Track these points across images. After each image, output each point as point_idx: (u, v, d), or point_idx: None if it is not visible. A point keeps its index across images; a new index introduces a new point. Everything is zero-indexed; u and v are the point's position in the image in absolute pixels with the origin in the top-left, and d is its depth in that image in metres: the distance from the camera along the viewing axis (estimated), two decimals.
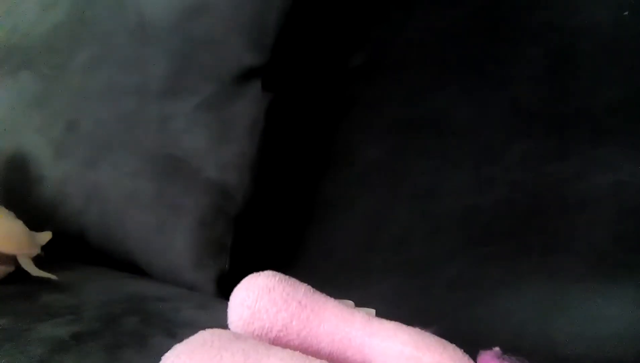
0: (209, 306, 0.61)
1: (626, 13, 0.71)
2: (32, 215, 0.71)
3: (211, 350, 0.30)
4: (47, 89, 0.80)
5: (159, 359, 0.32)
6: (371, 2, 0.87)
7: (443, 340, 0.33)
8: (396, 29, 0.84)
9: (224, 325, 0.35)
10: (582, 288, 0.58)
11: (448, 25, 0.80)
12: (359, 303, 0.39)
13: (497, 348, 0.33)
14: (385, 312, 0.37)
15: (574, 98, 0.69)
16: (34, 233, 0.68)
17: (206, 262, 0.70)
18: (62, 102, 0.78)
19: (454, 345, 0.33)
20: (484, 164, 0.69)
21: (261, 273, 0.34)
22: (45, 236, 0.69)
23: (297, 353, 0.30)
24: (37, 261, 0.66)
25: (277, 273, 0.34)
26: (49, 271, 0.64)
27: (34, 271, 0.64)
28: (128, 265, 0.73)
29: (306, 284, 0.35)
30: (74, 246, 0.75)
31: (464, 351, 0.33)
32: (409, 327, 0.33)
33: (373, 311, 0.36)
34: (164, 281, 0.70)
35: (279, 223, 0.80)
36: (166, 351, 0.32)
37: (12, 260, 0.64)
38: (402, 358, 0.31)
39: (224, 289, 0.70)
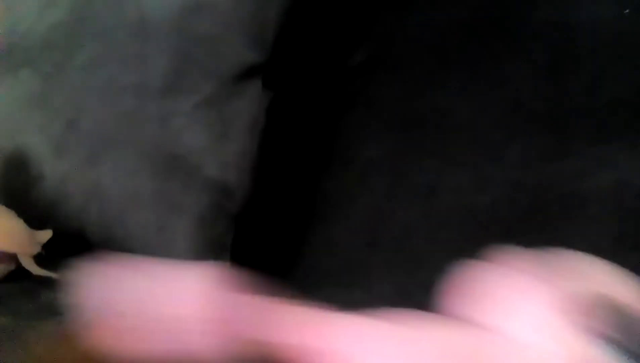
0: None
1: (627, 11, 0.71)
2: (33, 214, 0.71)
3: None
4: (47, 87, 0.79)
5: None
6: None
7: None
8: (396, 27, 0.84)
9: None
10: None
11: (449, 23, 0.80)
12: (360, 302, 0.39)
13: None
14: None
15: (574, 96, 0.69)
16: (34, 231, 0.68)
17: (206, 261, 0.70)
18: (62, 100, 0.78)
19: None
20: (484, 163, 0.69)
21: None
22: (46, 235, 0.69)
23: None
24: (38, 259, 0.66)
25: None
26: (49, 270, 0.64)
27: (35, 269, 0.64)
28: None
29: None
30: (74, 245, 0.74)
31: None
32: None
33: None
34: None
35: (280, 221, 0.80)
36: None
37: (13, 258, 0.64)
38: None
39: None
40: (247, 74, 0.75)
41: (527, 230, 0.63)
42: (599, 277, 0.32)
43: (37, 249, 0.67)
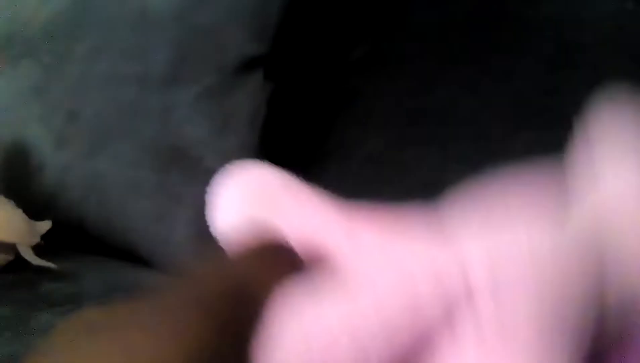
0: None
1: (629, 4, 0.71)
2: (32, 204, 0.71)
3: None
4: (47, 78, 0.79)
5: None
6: None
7: None
8: (399, 21, 0.83)
9: None
10: None
11: (451, 17, 0.80)
12: None
13: None
14: None
15: (577, 90, 0.69)
16: (33, 222, 0.68)
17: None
18: (62, 91, 0.78)
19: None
20: (487, 157, 0.69)
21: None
22: (45, 225, 0.69)
23: None
24: (37, 250, 0.65)
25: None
26: (48, 260, 0.64)
27: (34, 260, 0.64)
28: (128, 254, 0.73)
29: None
30: (74, 235, 0.74)
31: None
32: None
33: None
34: (163, 270, 0.70)
35: None
36: None
37: (12, 248, 0.64)
38: None
39: None
40: (248, 66, 0.74)
41: None
42: None
43: (36, 239, 0.66)
